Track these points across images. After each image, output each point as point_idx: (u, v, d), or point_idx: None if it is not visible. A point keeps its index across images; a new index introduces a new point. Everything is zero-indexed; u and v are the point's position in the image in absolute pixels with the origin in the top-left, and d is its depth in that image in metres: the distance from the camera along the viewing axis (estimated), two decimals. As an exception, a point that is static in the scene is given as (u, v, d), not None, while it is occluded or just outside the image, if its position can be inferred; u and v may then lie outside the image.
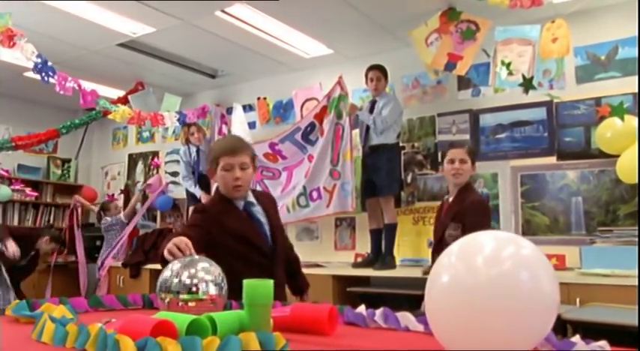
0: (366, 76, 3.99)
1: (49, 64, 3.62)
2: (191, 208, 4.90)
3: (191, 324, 1.10)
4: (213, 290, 1.37)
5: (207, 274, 1.38)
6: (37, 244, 4.63)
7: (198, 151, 4.93)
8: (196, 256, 1.49)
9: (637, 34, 3.34)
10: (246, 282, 1.21)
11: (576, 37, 3.41)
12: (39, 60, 3.47)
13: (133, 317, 1.10)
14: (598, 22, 3.64)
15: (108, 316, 1.47)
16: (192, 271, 1.38)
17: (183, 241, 1.57)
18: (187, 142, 5.00)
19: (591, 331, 2.01)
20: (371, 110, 3.95)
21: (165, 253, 1.55)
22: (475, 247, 0.91)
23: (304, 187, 4.23)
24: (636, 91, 3.37)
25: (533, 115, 3.81)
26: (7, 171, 5.70)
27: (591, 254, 3.20)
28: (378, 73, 3.95)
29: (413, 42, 3.78)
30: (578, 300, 2.84)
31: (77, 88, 3.88)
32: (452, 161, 2.78)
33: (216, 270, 1.42)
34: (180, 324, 1.08)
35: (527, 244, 0.92)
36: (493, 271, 0.85)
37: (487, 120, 4.01)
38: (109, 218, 5.52)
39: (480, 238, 0.93)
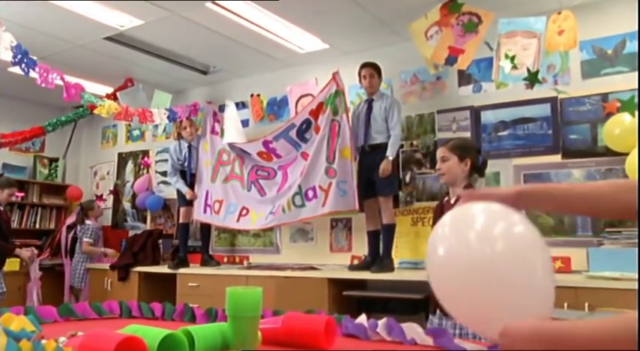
0: (359, 73, 3.88)
1: (31, 56, 3.45)
2: (182, 209, 4.73)
3: (164, 340, 0.94)
4: None
5: None
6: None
7: (189, 147, 4.75)
8: None
9: (637, 31, 3.22)
10: (229, 290, 1.05)
11: (582, 30, 3.27)
12: (18, 51, 3.29)
13: (96, 332, 0.95)
14: (604, 15, 3.50)
15: (77, 328, 1.33)
16: None
17: None
18: (179, 137, 4.82)
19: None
20: (368, 110, 3.83)
21: None
22: (467, 221, 0.82)
23: (299, 187, 4.07)
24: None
25: (536, 111, 3.67)
26: (-10, 170, 5.52)
27: (599, 256, 3.07)
28: (371, 70, 3.83)
29: (412, 35, 3.63)
30: (587, 305, 2.71)
31: (60, 81, 3.70)
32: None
33: None
34: (151, 340, 0.93)
35: (518, 219, 0.80)
36: (486, 250, 0.76)
37: (489, 117, 3.86)
38: (89, 222, 5.31)
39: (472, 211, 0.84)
